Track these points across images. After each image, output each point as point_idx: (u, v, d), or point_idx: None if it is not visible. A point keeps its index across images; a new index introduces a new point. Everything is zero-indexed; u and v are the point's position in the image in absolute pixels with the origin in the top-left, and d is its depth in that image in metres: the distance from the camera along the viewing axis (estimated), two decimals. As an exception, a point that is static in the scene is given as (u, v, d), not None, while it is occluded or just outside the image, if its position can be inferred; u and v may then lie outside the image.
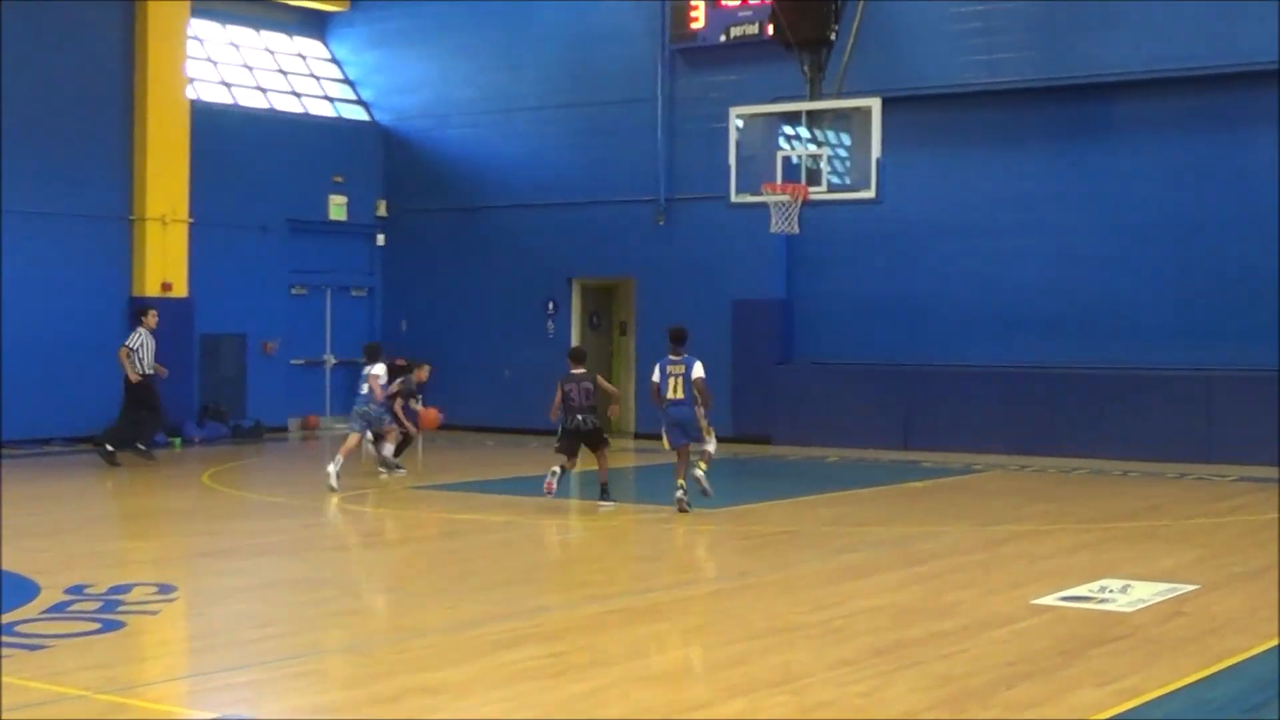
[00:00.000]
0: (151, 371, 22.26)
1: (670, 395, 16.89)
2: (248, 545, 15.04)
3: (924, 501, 19.06)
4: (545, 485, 17.12)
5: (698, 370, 16.82)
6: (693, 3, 27.19)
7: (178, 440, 26.01)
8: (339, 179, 30.21)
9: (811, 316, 26.89)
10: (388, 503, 18.41)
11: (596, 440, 17.77)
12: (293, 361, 29.53)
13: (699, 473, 16.79)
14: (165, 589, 11.89)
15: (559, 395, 17.52)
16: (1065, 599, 11.55)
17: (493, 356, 29.28)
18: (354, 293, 30.94)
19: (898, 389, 25.53)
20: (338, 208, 30.25)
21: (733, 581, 13.01)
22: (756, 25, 26.33)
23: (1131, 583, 12.25)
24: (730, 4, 26.82)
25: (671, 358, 17.01)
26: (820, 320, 26.79)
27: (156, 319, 22.73)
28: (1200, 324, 23.76)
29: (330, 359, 30.16)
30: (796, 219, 21.66)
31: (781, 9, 22.62)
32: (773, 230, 22.05)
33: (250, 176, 28.55)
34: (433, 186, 30.50)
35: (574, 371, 17.71)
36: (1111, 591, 11.88)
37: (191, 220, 27.07)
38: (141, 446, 22.34)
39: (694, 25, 27.22)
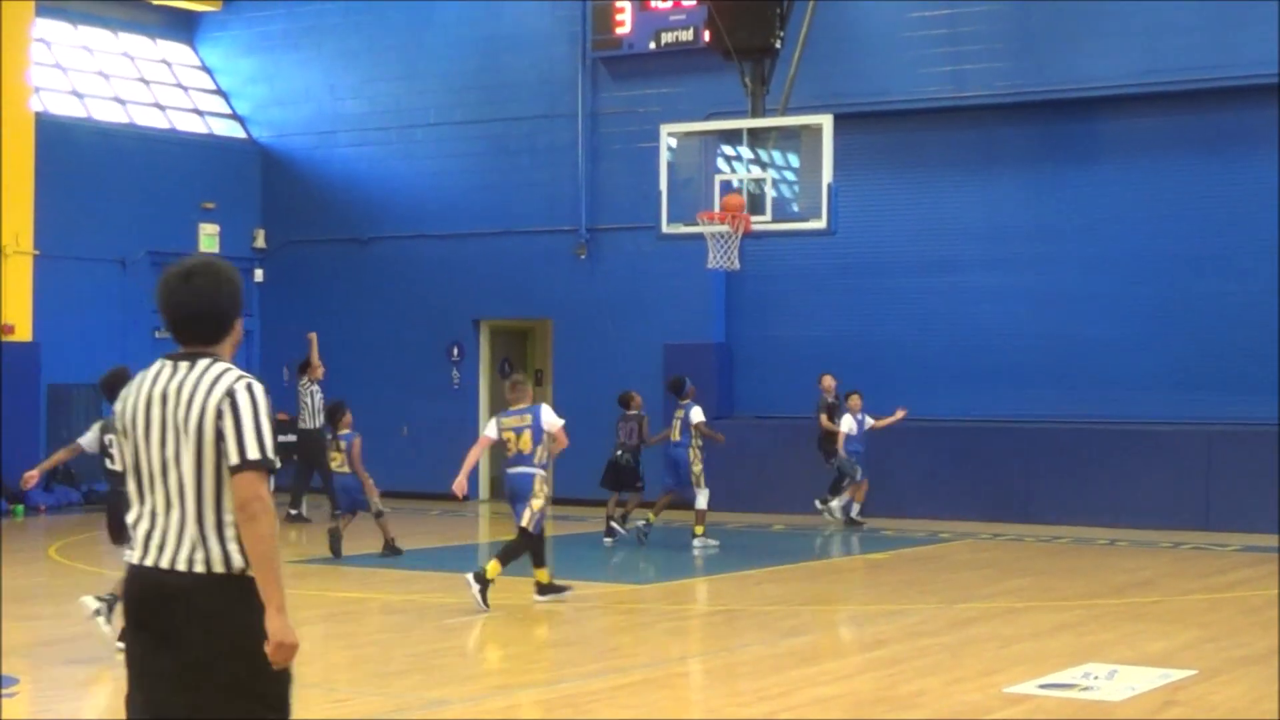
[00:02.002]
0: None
1: (673, 436, 21.60)
2: (102, 630, 14.87)
3: (882, 576, 19.09)
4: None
5: (696, 415, 21.47)
6: (618, 5, 27.31)
7: (20, 508, 25.77)
8: (210, 205, 30.09)
9: (754, 364, 26.96)
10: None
11: (628, 479, 21.83)
12: (155, 416, 29.29)
13: (697, 543, 21.03)
14: (6, 681, 11.76)
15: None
16: (1044, 687, 11.60)
17: (389, 411, 29.15)
18: (227, 336, 30.74)
19: (853, 447, 25.62)
20: (209, 238, 30.12)
21: (663, 669, 12.99)
22: (691, 31, 26.46)
23: (1119, 668, 12.32)
24: (661, 6, 26.96)
25: (680, 402, 21.73)
26: (764, 368, 26.86)
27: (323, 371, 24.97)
28: (1198, 372, 23.96)
29: (199, 413, 29.92)
30: (737, 252, 21.74)
31: (719, 12, 22.73)
32: (710, 265, 22.09)
33: (107, 202, 28.39)
34: (318, 214, 30.43)
35: (628, 413, 21.97)
36: (1096, 678, 11.94)
37: (37, 252, 26.89)
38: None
39: (619, 30, 27.32)
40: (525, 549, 15.80)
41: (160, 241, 29.24)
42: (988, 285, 25.36)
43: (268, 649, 5.73)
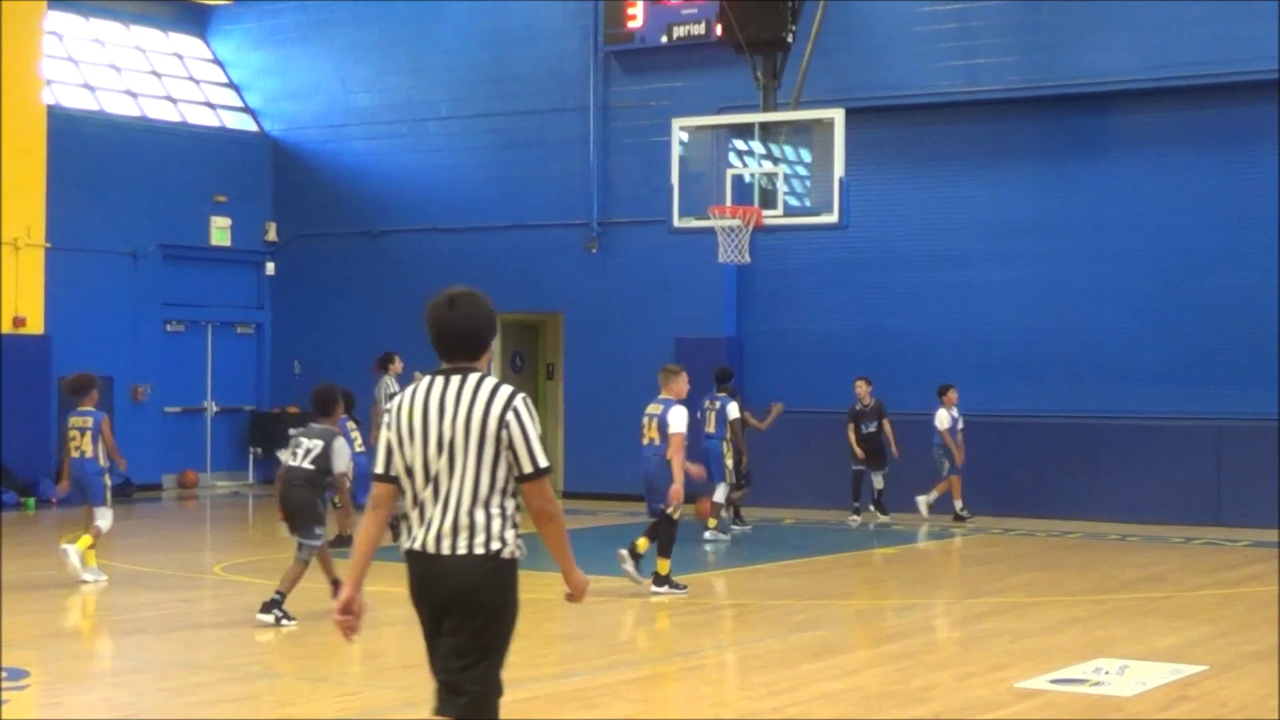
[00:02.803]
0: None
1: (707, 429, 21.40)
2: (112, 623, 14.89)
3: (893, 571, 19.05)
4: None
5: (732, 411, 21.35)
6: (629, -2, 27.32)
7: (31, 501, 25.77)
8: (222, 198, 30.10)
9: (765, 358, 26.92)
10: (277, 572, 18.25)
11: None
12: (167, 409, 29.34)
13: (708, 534, 21.09)
14: (15, 674, 11.75)
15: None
16: (1055, 682, 11.58)
17: (398, 403, 29.08)
18: (239, 329, 30.79)
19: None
20: (220, 231, 30.13)
21: (674, 662, 12.97)
22: (703, 25, 26.42)
23: (1130, 663, 12.30)
24: (673, 0, 26.92)
25: (718, 394, 21.60)
26: (775, 362, 26.82)
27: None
28: (1209, 366, 23.92)
29: (211, 406, 29.99)
30: (748, 246, 21.72)
31: (731, 7, 22.72)
32: (721, 259, 22.10)
33: (118, 195, 28.39)
34: (330, 207, 30.42)
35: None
36: (1107, 673, 11.92)
37: (49, 245, 26.89)
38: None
39: (631, 24, 27.29)
40: (671, 533, 16.21)
41: (171, 234, 29.26)
42: (997, 279, 25.32)
43: (571, 593, 7.15)
